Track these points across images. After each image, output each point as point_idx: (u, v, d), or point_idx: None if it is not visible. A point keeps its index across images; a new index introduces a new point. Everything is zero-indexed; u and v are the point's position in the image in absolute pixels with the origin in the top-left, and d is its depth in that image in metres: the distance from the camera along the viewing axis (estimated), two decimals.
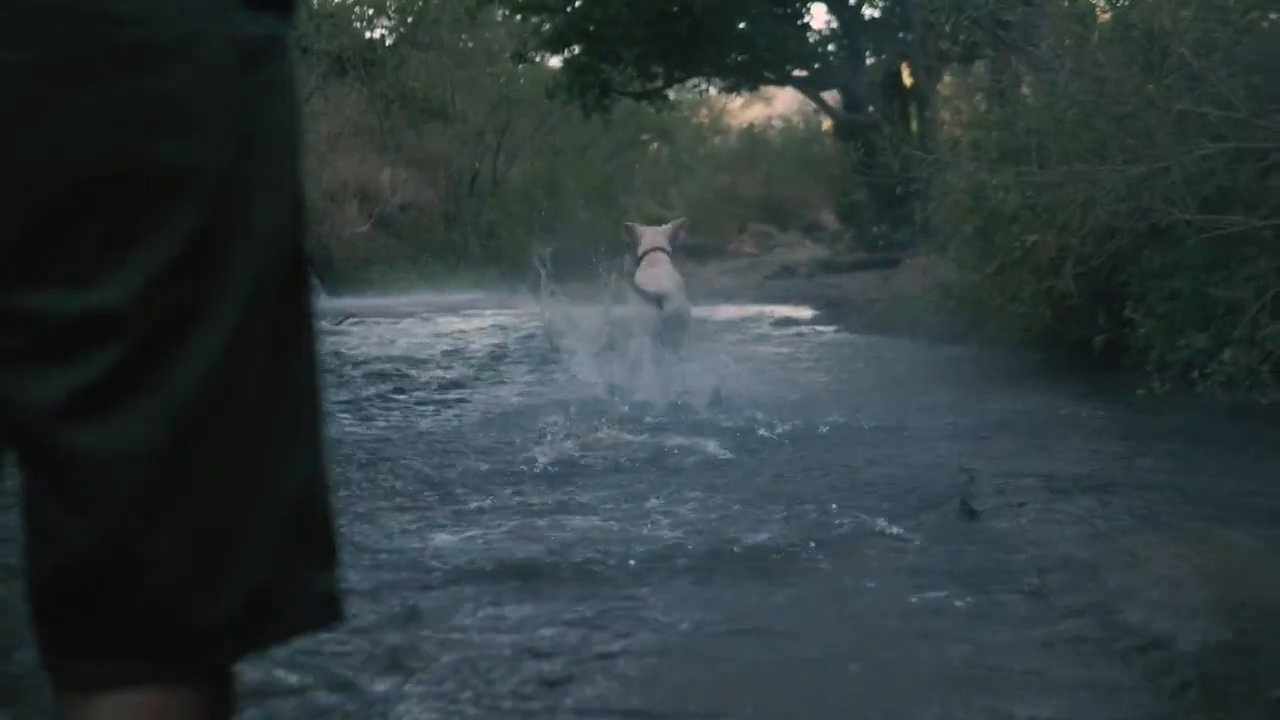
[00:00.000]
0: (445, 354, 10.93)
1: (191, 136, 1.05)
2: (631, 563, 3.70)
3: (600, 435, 5.97)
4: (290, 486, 1.16)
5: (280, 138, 1.14)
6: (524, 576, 3.57)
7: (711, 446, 5.68)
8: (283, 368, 1.15)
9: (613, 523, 4.23)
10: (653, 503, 4.54)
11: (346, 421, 6.84)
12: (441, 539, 4.04)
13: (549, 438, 5.95)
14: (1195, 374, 6.56)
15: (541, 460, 5.40)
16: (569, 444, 5.74)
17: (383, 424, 6.78)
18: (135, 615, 1.09)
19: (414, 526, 4.24)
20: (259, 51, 1.10)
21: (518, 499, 4.68)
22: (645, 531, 4.10)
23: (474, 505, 4.57)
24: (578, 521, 4.25)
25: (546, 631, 3.09)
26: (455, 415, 7.15)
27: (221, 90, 1.07)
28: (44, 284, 1.02)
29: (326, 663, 2.85)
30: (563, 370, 9.19)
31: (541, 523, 4.26)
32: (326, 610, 1.21)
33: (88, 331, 1.03)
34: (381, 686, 2.76)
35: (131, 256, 1.04)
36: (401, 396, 8.00)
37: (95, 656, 1.10)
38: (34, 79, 0.99)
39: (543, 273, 7.70)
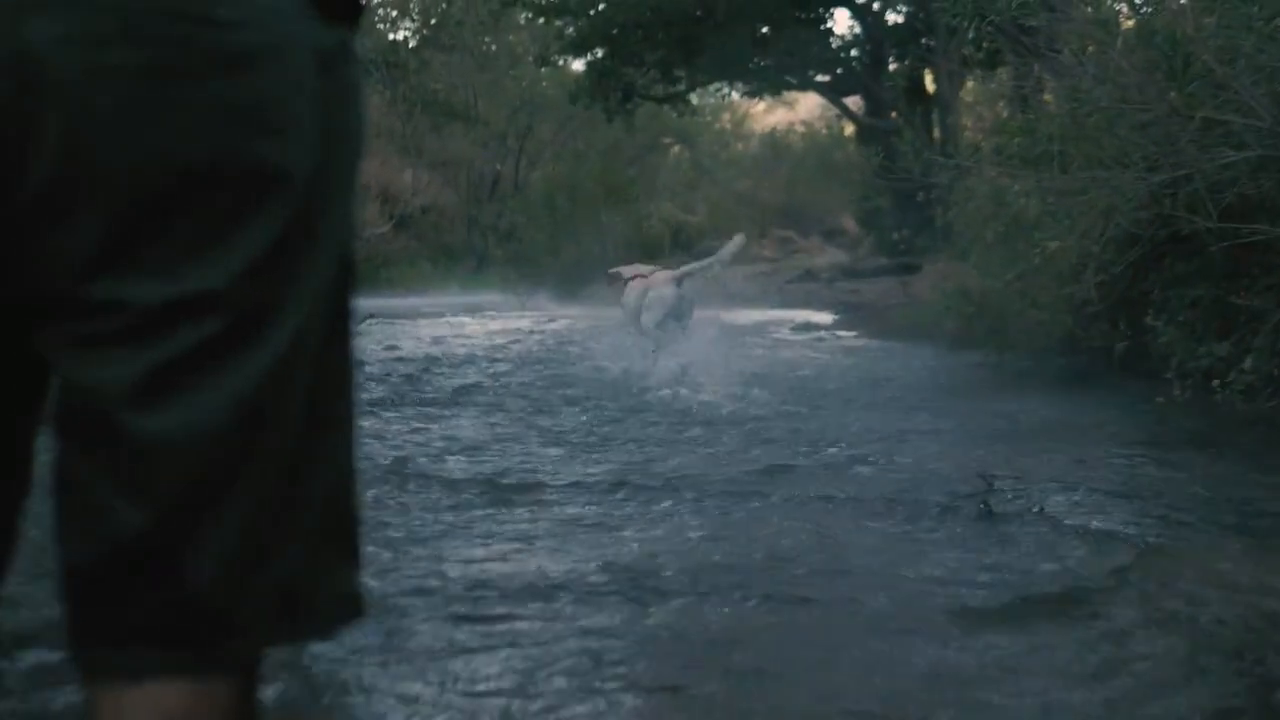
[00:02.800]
0: (463, 356, 10.96)
1: (284, 137, 1.09)
2: (655, 573, 3.69)
3: (619, 442, 5.97)
4: (326, 482, 1.19)
5: (349, 143, 1.18)
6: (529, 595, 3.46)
7: (727, 455, 5.67)
8: (328, 366, 1.19)
9: (630, 535, 4.17)
10: (669, 511, 4.54)
11: (364, 423, 6.85)
12: (449, 548, 4.01)
13: (565, 444, 5.94)
14: (1216, 382, 6.53)
15: (557, 470, 5.33)
16: (584, 454, 5.71)
17: (398, 426, 6.79)
18: (174, 601, 1.10)
19: (425, 535, 4.21)
20: (333, 59, 1.14)
21: (528, 512, 4.60)
22: (666, 542, 4.11)
23: (479, 516, 4.50)
24: (588, 539, 4.16)
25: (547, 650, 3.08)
26: (472, 419, 7.16)
27: (306, 95, 1.11)
28: (140, 273, 1.05)
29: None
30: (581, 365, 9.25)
31: (553, 536, 4.19)
32: (349, 608, 1.23)
33: (171, 318, 1.06)
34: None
35: (223, 249, 1.07)
36: (418, 398, 8.02)
37: (130, 644, 1.11)
38: (146, 78, 1.02)
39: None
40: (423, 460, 5.62)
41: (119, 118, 1.02)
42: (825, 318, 15.89)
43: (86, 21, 1.00)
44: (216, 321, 1.07)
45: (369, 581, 3.49)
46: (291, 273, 1.12)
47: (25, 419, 1.15)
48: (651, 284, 9.25)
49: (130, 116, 1.02)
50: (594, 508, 4.57)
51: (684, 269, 9.37)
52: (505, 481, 5.06)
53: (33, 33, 0.99)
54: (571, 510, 4.56)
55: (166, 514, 1.08)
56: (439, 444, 6.11)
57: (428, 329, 14.28)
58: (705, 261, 9.39)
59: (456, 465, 5.48)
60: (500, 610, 3.28)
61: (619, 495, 4.73)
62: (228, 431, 1.09)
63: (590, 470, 5.26)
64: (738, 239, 9.65)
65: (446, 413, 7.28)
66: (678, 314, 9.12)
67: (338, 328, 1.20)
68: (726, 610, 3.29)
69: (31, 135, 1.00)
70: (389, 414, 7.06)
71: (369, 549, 3.69)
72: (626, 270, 9.72)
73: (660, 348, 8.86)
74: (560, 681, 2.75)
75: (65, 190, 1.02)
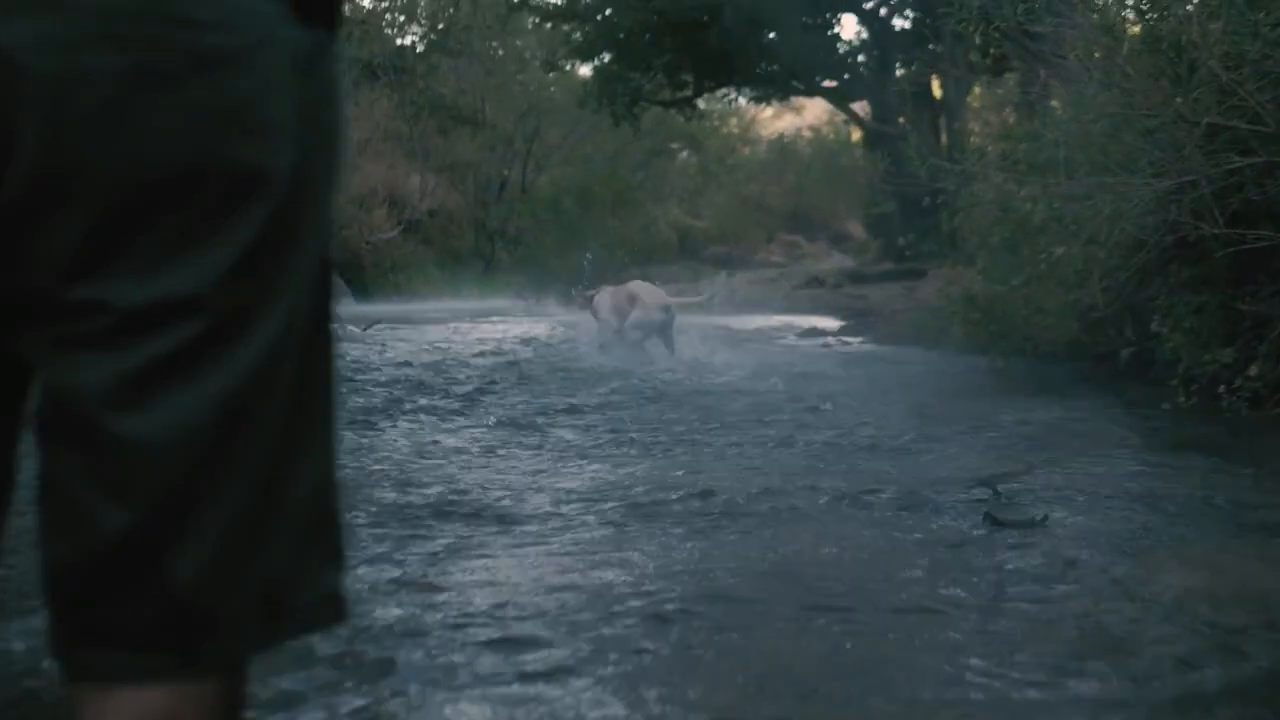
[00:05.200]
0: (469, 362, 10.95)
1: (265, 138, 1.09)
2: (655, 593, 3.68)
3: (630, 456, 5.93)
4: (308, 483, 1.19)
5: (329, 144, 1.18)
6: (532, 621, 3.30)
7: (739, 466, 5.65)
8: (310, 368, 1.19)
9: (639, 556, 4.03)
10: (666, 531, 4.53)
11: (366, 430, 6.85)
12: (464, 564, 3.93)
13: (575, 456, 5.90)
14: (1221, 388, 6.53)
15: (564, 484, 5.19)
16: (596, 466, 5.64)
17: (399, 435, 6.79)
18: (158, 603, 1.10)
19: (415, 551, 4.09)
20: (312, 60, 1.15)
21: (526, 529, 4.42)
22: (666, 563, 4.09)
23: (479, 532, 4.35)
24: (606, 557, 4.04)
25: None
26: (476, 428, 7.15)
27: (286, 96, 1.11)
28: (121, 274, 1.05)
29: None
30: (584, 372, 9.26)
31: (567, 555, 4.03)
32: (333, 609, 1.23)
33: (152, 320, 1.06)
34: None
35: (204, 250, 1.07)
36: (423, 405, 8.02)
37: (115, 647, 1.11)
38: (127, 80, 1.02)
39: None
40: (425, 471, 5.62)
41: (98, 119, 1.02)
42: (832, 323, 15.87)
43: (65, 23, 1.00)
44: (198, 323, 1.07)
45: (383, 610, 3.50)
46: (272, 274, 1.12)
47: (7, 421, 1.15)
48: (637, 295, 10.70)
49: (109, 118, 1.02)
50: (606, 525, 4.45)
51: (679, 300, 10.94)
52: (516, 493, 5.03)
53: (10, 35, 0.99)
54: (585, 528, 4.41)
55: (149, 515, 1.09)
56: (443, 453, 6.12)
57: (435, 335, 14.26)
58: (698, 299, 11.14)
59: (466, 476, 5.47)
60: (522, 634, 3.17)
61: (630, 512, 4.63)
62: (209, 433, 1.09)
63: (599, 484, 5.19)
64: (726, 279, 11.36)
65: (450, 423, 7.27)
66: (662, 331, 10.58)
67: (319, 328, 1.20)
68: (761, 626, 3.24)
69: (10, 137, 1.00)
70: (386, 424, 7.03)
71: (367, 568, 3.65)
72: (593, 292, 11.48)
73: (638, 357, 10.32)
74: (595, 704, 2.72)
75: (45, 192, 1.02)
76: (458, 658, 2.96)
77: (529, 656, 2.98)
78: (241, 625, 1.15)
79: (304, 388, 1.18)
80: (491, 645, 3.05)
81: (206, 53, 1.06)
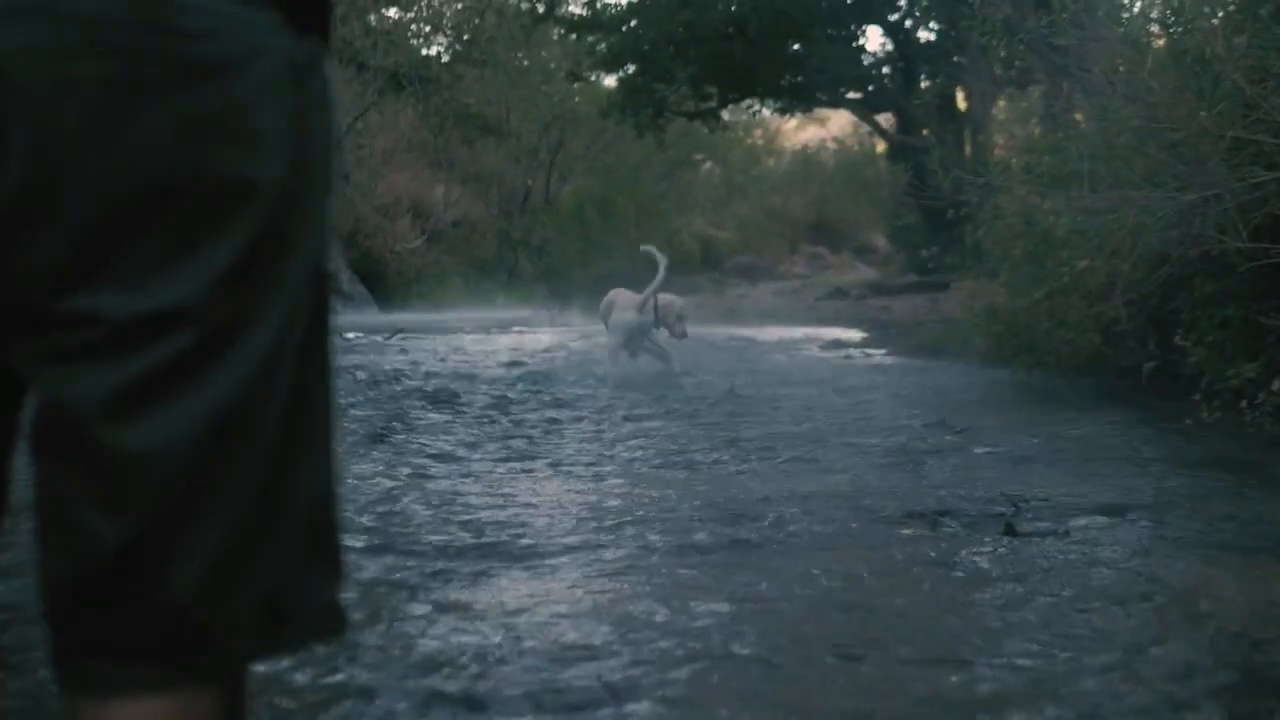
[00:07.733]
0: (491, 372, 10.97)
1: (254, 148, 1.09)
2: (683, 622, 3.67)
3: (647, 476, 5.89)
4: (306, 494, 1.19)
5: (321, 155, 1.18)
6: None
7: (757, 486, 5.62)
8: (306, 379, 1.19)
9: (659, 589, 3.90)
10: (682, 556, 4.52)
11: (380, 444, 6.86)
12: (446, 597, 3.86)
13: (590, 478, 5.83)
14: (1244, 403, 6.50)
15: (580, 509, 5.05)
16: (606, 488, 5.53)
17: (418, 447, 6.80)
18: (157, 615, 1.11)
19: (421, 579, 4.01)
20: (305, 70, 1.15)
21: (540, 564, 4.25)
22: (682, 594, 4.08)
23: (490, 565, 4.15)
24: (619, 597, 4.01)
25: None
26: (495, 441, 7.16)
27: (278, 105, 1.11)
28: (110, 286, 1.05)
29: None
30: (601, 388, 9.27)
31: (586, 598, 3.83)
32: (332, 619, 1.23)
33: (143, 331, 1.06)
34: None
35: (194, 261, 1.07)
36: (442, 417, 8.03)
37: (114, 659, 1.11)
38: (113, 90, 1.02)
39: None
40: (440, 486, 5.63)
41: (86, 130, 1.02)
42: (854, 335, 15.86)
43: (52, 33, 1.00)
44: (190, 334, 1.07)
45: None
46: (264, 284, 1.12)
47: (1, 434, 1.16)
48: (614, 301, 10.55)
49: (98, 128, 1.02)
50: (625, 555, 4.28)
51: (646, 291, 10.36)
52: (533, 515, 5.00)
53: None
54: (603, 558, 4.22)
55: (145, 528, 1.09)
56: (460, 469, 6.12)
57: (458, 345, 14.29)
58: (658, 278, 10.36)
59: (482, 494, 5.47)
60: (536, 665, 3.08)
61: (651, 540, 4.48)
62: (204, 444, 1.09)
63: (614, 508, 5.13)
64: (658, 256, 10.67)
65: (469, 437, 7.28)
66: (644, 334, 10.35)
67: (315, 338, 1.20)
68: (785, 667, 3.10)
69: None
70: (401, 436, 7.03)
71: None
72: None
73: (624, 364, 10.25)
74: None
75: (34, 202, 1.02)
76: (473, 686, 2.96)
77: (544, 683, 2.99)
78: (240, 635, 1.15)
79: (301, 397, 1.17)
80: (503, 671, 3.06)
81: (196, 63, 1.05)
